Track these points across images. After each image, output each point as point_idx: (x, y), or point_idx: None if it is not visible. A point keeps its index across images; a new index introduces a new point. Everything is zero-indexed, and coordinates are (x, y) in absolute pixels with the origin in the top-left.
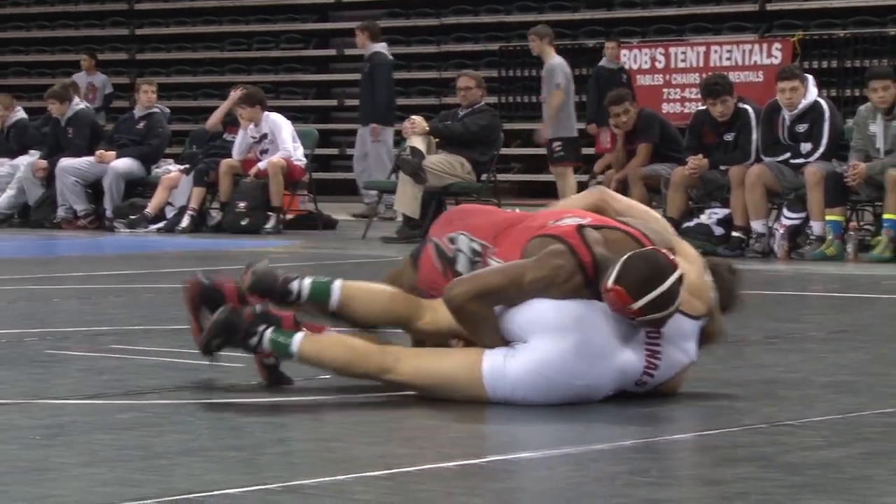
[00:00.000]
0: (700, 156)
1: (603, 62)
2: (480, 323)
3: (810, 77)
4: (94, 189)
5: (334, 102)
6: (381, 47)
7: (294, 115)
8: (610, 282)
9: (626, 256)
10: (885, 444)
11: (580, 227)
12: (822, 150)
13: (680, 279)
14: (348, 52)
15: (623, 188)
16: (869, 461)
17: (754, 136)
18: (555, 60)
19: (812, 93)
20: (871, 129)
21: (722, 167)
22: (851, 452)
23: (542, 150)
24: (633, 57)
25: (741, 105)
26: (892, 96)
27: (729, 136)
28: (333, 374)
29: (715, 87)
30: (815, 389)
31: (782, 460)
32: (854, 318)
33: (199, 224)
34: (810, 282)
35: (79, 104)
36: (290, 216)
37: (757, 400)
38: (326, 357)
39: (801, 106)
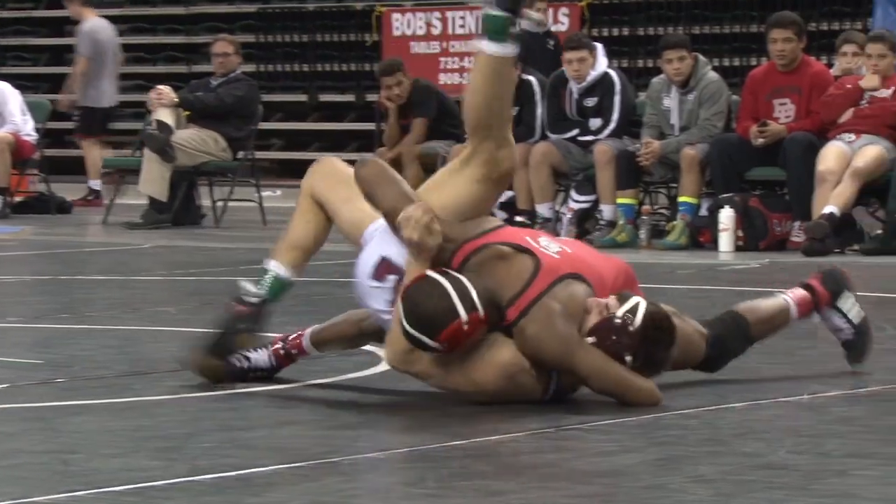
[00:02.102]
0: None
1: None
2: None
3: (599, 46)
4: None
5: (69, 70)
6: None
7: (23, 83)
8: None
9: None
10: (680, 449)
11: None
12: (612, 125)
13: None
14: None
15: (397, 167)
16: (664, 467)
17: (539, 110)
18: (86, 25)
19: (602, 63)
20: (665, 104)
21: None
22: (645, 458)
23: (312, 124)
24: (405, 22)
25: (525, 76)
26: (688, 67)
27: (512, 111)
28: None
29: None
30: None
31: (570, 468)
32: None
33: None
34: None
35: None
36: (18, 198)
37: (542, 402)
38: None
39: (589, 78)
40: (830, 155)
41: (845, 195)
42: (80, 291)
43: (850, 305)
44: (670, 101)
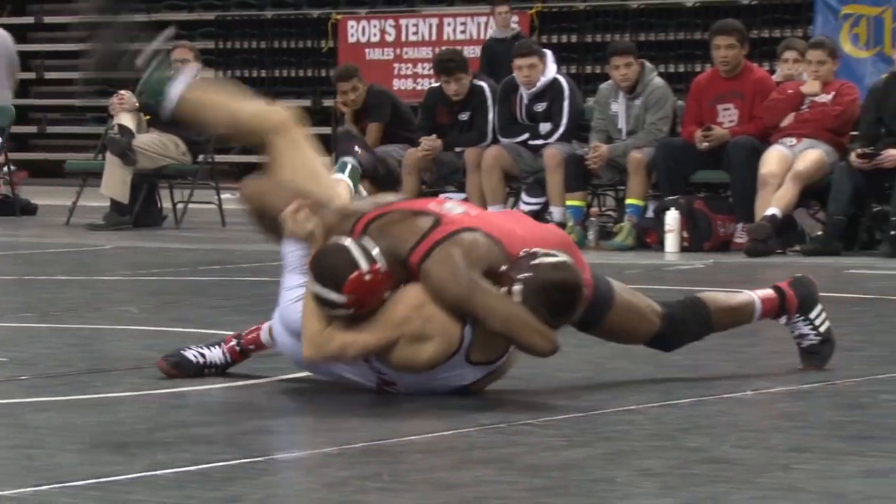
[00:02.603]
0: (434, 137)
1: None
2: None
3: (549, 53)
4: None
5: (32, 75)
6: None
7: None
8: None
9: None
10: (627, 444)
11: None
12: (561, 130)
13: None
14: (48, 20)
15: None
16: (612, 461)
17: (491, 115)
18: None
19: (551, 69)
20: (612, 109)
21: (457, 149)
22: (594, 452)
23: None
24: (360, 29)
25: (477, 82)
26: (634, 73)
27: (464, 116)
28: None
29: (449, 63)
30: (557, 386)
31: (522, 462)
32: None
33: None
34: None
35: None
36: None
37: (494, 398)
38: (212, 100)
39: (539, 84)
40: (772, 158)
41: (787, 197)
42: (43, 291)
43: (821, 319)
44: (618, 106)
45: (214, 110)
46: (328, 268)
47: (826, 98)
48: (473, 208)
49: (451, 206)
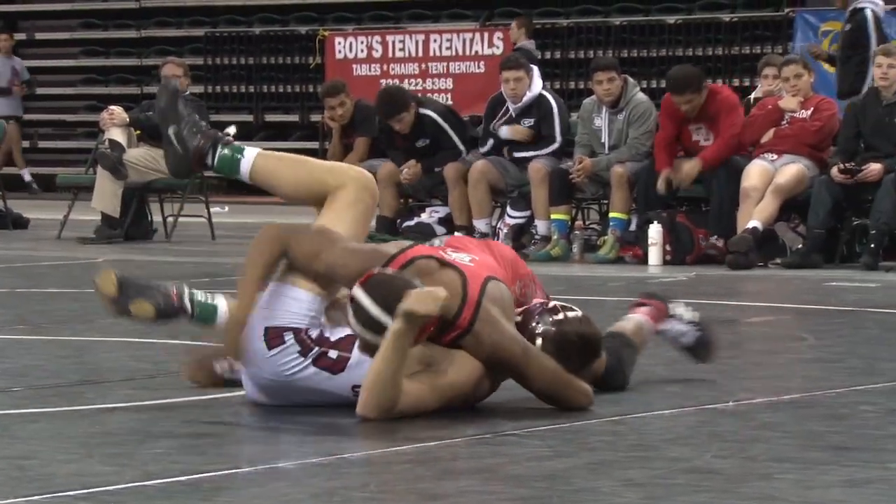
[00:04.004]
0: (413, 161)
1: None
2: None
3: (535, 68)
4: None
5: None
6: None
7: None
8: None
9: None
10: (611, 454)
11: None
12: (555, 146)
13: None
14: (40, 36)
15: None
16: (596, 471)
17: (452, 134)
18: None
19: (537, 85)
20: (596, 124)
21: (436, 168)
22: (578, 463)
23: (259, 142)
24: (348, 46)
25: (423, 111)
26: (617, 88)
27: (423, 142)
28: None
29: (387, 107)
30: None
31: (507, 472)
32: None
33: None
34: None
35: None
36: None
37: (479, 409)
38: (282, 172)
39: (525, 98)
40: (754, 173)
41: (768, 211)
42: (35, 303)
43: (683, 309)
44: (601, 121)
45: (291, 168)
46: (386, 284)
47: (805, 114)
48: (463, 244)
49: (455, 254)
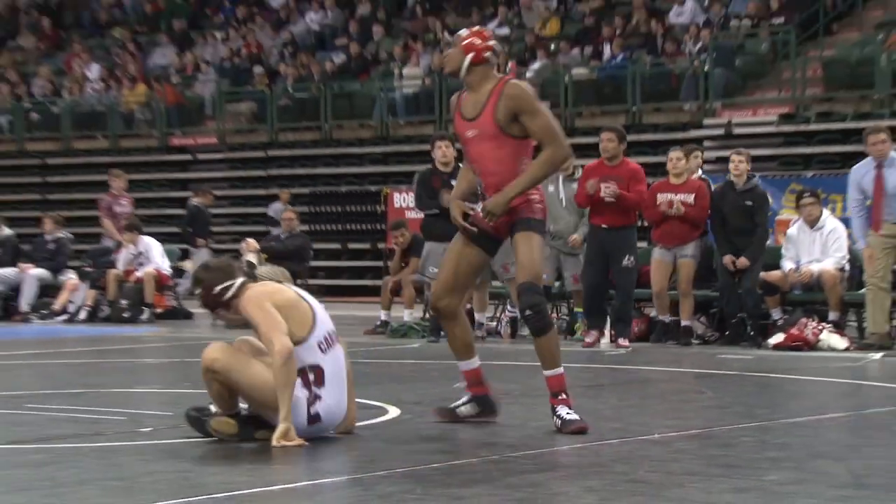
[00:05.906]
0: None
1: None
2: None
3: None
4: (15, 292)
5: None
6: None
7: (163, 239)
8: None
9: None
10: (576, 469)
11: None
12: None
13: None
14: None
15: (397, 289)
16: (566, 481)
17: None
18: None
19: None
20: (549, 189)
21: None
22: (554, 475)
23: (344, 262)
24: (402, 198)
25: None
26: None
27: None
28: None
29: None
30: (527, 433)
31: (504, 481)
32: None
33: (93, 316)
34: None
35: (3, 231)
36: (159, 310)
37: (493, 443)
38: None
39: None
40: (657, 273)
41: (685, 309)
42: (196, 368)
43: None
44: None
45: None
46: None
47: (689, 198)
48: None
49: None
